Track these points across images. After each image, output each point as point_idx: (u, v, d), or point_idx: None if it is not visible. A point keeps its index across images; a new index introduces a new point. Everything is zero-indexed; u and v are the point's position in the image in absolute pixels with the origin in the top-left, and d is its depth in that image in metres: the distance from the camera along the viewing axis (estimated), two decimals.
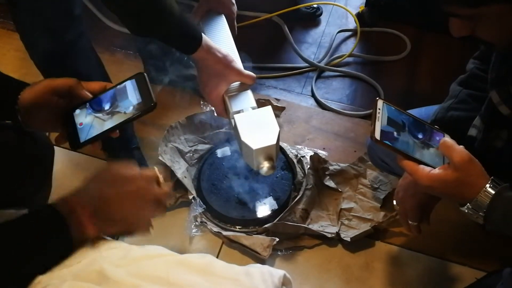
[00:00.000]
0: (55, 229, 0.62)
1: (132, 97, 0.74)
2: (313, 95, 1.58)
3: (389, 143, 0.76)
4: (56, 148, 0.87)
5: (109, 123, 0.73)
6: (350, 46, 1.72)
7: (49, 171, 0.92)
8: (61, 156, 0.87)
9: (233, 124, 0.92)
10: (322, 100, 1.55)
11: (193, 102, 1.48)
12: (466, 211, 0.75)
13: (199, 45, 0.90)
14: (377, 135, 0.75)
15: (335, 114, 1.52)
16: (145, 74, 0.76)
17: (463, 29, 0.73)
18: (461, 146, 0.76)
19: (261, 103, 1.42)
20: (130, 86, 0.75)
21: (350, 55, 1.68)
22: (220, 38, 1.05)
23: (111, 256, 0.63)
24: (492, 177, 0.73)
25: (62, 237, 0.62)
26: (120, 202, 0.66)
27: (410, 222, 0.94)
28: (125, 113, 0.73)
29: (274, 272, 0.72)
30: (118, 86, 0.76)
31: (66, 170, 1.29)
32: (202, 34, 0.91)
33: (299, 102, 1.56)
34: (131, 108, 0.73)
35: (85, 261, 0.62)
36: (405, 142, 0.77)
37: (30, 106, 0.70)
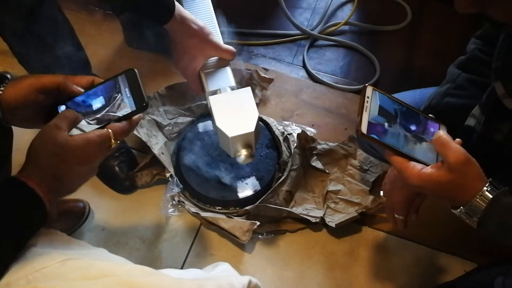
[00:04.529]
0: (31, 200, 0.61)
1: (122, 98, 0.71)
2: (304, 66, 1.49)
3: (377, 138, 0.68)
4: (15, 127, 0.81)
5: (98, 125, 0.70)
6: (346, 13, 1.61)
7: (8, 155, 0.85)
8: (26, 133, 0.80)
9: (209, 106, 0.84)
10: (314, 72, 1.46)
11: (173, 71, 1.38)
12: (459, 214, 0.68)
13: (171, 15, 0.81)
14: (364, 128, 0.67)
15: (327, 87, 1.43)
16: (136, 70, 0.71)
17: (472, 6, 0.62)
18: (458, 140, 0.68)
19: (247, 72, 1.33)
20: (119, 85, 0.71)
21: (346, 23, 1.57)
22: (198, 7, 0.95)
23: (50, 274, 0.58)
24: (490, 179, 0.66)
25: (40, 207, 0.61)
26: (72, 175, 0.65)
27: (396, 216, 0.88)
28: (114, 115, 0.70)
29: (235, 282, 0.65)
30: (107, 83, 0.71)
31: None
32: (176, 2, 0.82)
33: (289, 73, 1.47)
34: (121, 110, 0.70)
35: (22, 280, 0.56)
36: (396, 135, 0.70)
37: (14, 105, 0.66)
